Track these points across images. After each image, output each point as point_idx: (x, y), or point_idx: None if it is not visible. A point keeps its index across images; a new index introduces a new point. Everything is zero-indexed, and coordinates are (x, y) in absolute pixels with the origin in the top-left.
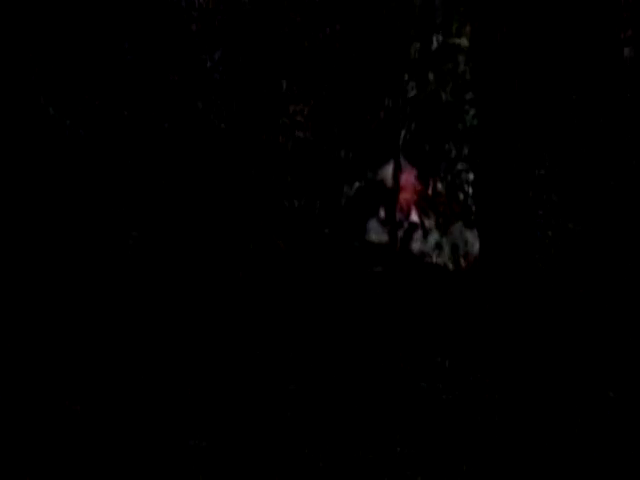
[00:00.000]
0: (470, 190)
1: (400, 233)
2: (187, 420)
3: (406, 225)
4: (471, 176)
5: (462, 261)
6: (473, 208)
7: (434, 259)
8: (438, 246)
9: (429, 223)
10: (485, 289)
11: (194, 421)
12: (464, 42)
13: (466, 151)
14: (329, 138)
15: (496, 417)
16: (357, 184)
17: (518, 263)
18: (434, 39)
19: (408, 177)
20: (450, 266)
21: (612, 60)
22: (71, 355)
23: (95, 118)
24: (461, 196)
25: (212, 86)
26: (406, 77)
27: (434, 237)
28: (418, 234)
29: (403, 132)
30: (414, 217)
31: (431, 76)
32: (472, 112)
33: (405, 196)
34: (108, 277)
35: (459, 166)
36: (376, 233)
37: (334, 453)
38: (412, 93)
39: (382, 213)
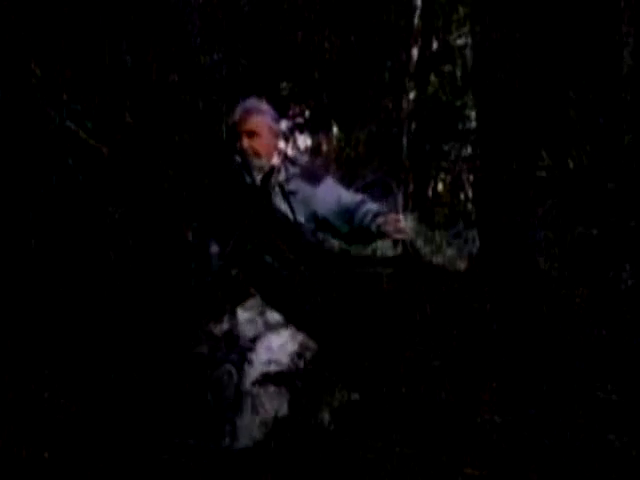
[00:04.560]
0: (470, 190)
1: (259, 177)
2: (185, 419)
3: (266, 168)
4: (471, 176)
5: (462, 261)
6: (473, 208)
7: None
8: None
9: (294, 169)
10: (485, 289)
11: (192, 421)
12: (464, 43)
13: (466, 151)
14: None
15: (496, 417)
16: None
17: (519, 264)
18: (434, 40)
19: (262, 121)
20: (450, 266)
21: (612, 61)
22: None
23: (94, 119)
24: (461, 196)
25: (212, 86)
26: (407, 78)
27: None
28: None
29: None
30: (274, 160)
31: (431, 77)
32: (472, 113)
33: (262, 141)
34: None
35: (459, 166)
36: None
37: (334, 452)
38: (412, 94)
39: (237, 158)
